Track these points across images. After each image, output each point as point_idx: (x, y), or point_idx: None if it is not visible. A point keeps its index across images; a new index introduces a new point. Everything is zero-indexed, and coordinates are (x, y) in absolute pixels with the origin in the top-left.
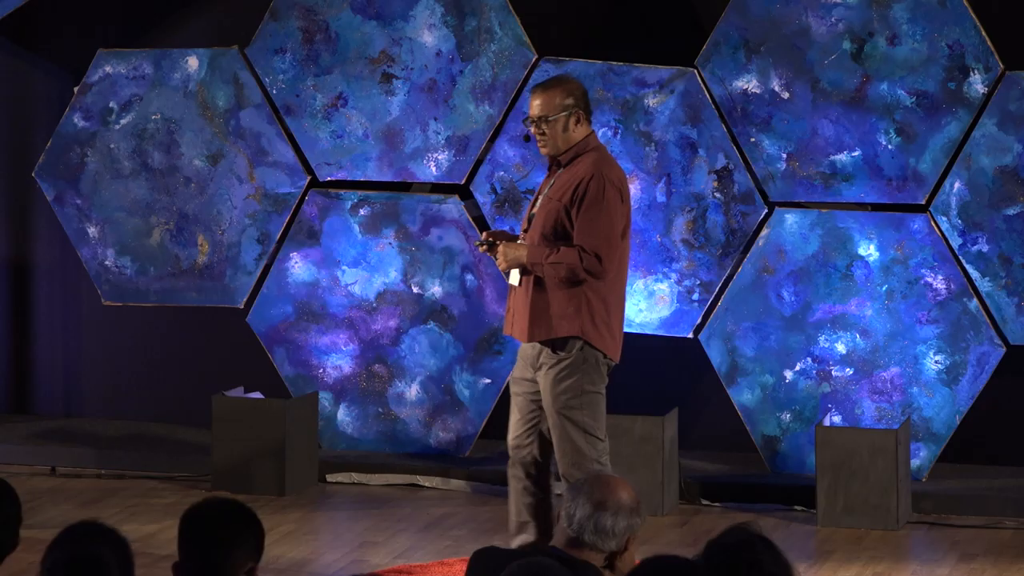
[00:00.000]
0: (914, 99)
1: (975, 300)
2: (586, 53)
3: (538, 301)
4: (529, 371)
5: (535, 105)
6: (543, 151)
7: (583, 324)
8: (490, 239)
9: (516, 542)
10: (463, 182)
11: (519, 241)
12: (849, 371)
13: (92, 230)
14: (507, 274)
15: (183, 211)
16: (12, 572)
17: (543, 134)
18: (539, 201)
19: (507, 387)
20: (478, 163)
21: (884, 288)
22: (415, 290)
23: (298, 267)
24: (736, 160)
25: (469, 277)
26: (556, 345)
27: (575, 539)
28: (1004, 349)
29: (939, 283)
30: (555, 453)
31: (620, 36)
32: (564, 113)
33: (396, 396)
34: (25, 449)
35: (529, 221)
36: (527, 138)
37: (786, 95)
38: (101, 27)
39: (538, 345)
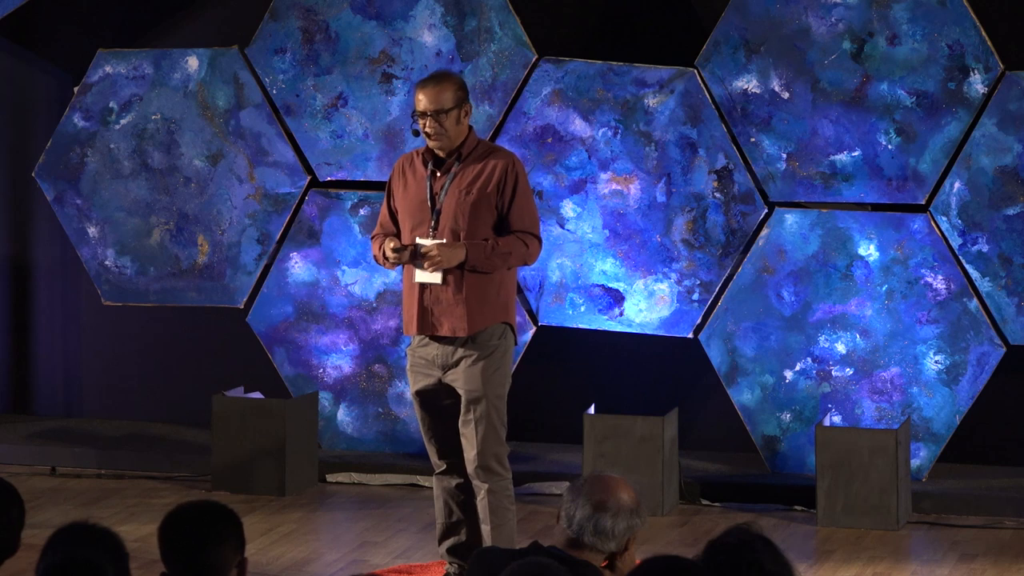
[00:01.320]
0: (914, 99)
1: (975, 300)
2: (586, 53)
3: (473, 292)
4: (434, 375)
5: (429, 99)
6: (435, 144)
7: (507, 310)
8: (408, 247)
9: (447, 545)
10: None
11: (435, 239)
12: (849, 371)
13: (92, 230)
14: (422, 273)
15: (183, 211)
16: (12, 572)
17: (439, 127)
18: (440, 196)
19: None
20: None
21: (884, 288)
22: None
23: (298, 267)
24: (736, 160)
25: None
26: (481, 333)
27: (575, 540)
28: (1004, 349)
29: (939, 283)
30: (474, 445)
31: (620, 36)
32: (456, 107)
33: (396, 396)
34: (25, 449)
35: (436, 217)
36: (416, 133)
37: (786, 95)
38: (101, 27)
39: (452, 340)
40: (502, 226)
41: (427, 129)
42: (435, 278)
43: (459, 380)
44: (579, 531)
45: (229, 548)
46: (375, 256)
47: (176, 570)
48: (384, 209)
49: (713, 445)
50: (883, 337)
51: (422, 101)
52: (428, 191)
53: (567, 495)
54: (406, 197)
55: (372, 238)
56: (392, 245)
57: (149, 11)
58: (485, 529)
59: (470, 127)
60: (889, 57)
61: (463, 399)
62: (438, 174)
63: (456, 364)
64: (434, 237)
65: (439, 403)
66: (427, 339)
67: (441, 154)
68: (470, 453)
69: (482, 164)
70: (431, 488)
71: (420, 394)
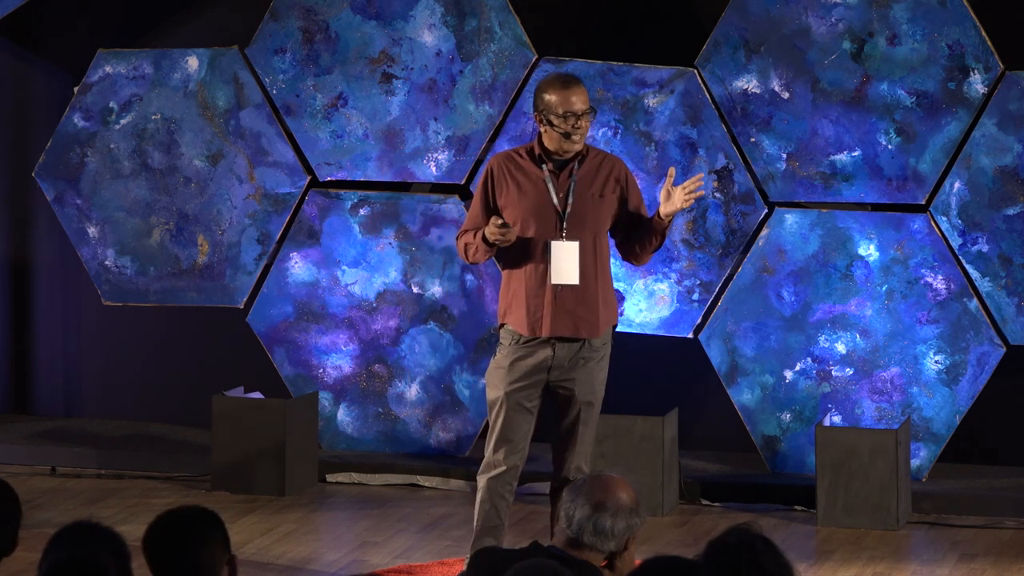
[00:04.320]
0: (914, 99)
1: (975, 300)
2: (586, 53)
3: (601, 293)
4: (538, 376)
5: (583, 99)
6: (574, 146)
7: (616, 311)
8: (511, 226)
9: (481, 545)
10: (463, 182)
11: (566, 241)
12: (849, 371)
13: (92, 230)
14: (558, 272)
15: (183, 211)
16: (12, 572)
17: (585, 128)
18: (568, 198)
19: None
20: (478, 163)
21: (884, 288)
22: (415, 290)
23: (298, 267)
24: (736, 160)
25: (469, 277)
26: (596, 337)
27: (575, 540)
28: (1004, 349)
29: (939, 283)
30: (575, 446)
31: (620, 36)
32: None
33: (396, 396)
34: (25, 449)
35: (562, 218)
36: (567, 136)
37: (786, 95)
38: (101, 27)
39: (573, 343)
40: (619, 226)
41: (572, 128)
42: (572, 279)
43: (574, 382)
44: (579, 531)
45: (216, 547)
46: (465, 248)
47: None
48: (478, 209)
49: (713, 445)
50: (883, 337)
51: (576, 102)
52: (551, 192)
53: (567, 495)
54: (522, 198)
55: (458, 237)
56: (498, 222)
57: (149, 11)
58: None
59: None
60: (889, 57)
61: (574, 400)
62: (559, 176)
63: (574, 366)
64: (564, 238)
65: (532, 404)
66: (542, 339)
67: (566, 156)
68: (568, 452)
69: (599, 167)
70: (431, 488)
71: (517, 393)
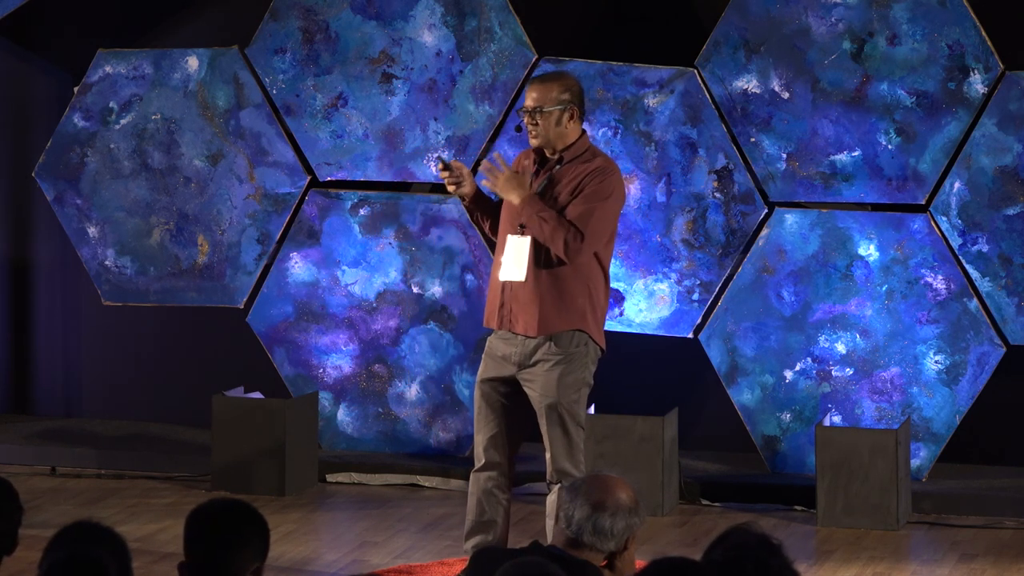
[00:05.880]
0: (914, 99)
1: (975, 300)
2: (586, 53)
3: (548, 294)
4: (507, 369)
5: (532, 96)
6: (534, 142)
7: (587, 317)
8: (446, 164)
9: (473, 542)
10: None
11: (523, 238)
12: (849, 371)
13: (92, 230)
14: (506, 265)
15: (183, 211)
16: (12, 572)
17: (536, 125)
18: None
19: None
20: (478, 163)
21: (884, 288)
22: (415, 290)
23: (298, 267)
24: (736, 160)
25: (469, 277)
26: (559, 339)
27: (574, 540)
28: (1004, 349)
29: (939, 283)
30: (548, 448)
31: (620, 36)
32: (559, 107)
33: (396, 396)
34: (25, 449)
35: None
36: (519, 128)
37: (786, 95)
38: (101, 27)
39: (531, 340)
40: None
41: (527, 125)
42: (518, 276)
43: (535, 383)
44: (578, 531)
45: (248, 552)
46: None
47: (192, 561)
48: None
49: (713, 445)
50: (883, 337)
51: (526, 96)
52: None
53: (566, 495)
54: None
55: None
56: (440, 165)
57: (149, 11)
58: (549, 524)
59: (583, 132)
60: (889, 57)
61: (536, 400)
62: (540, 174)
63: (533, 365)
64: (523, 235)
65: (502, 397)
66: (510, 334)
67: (548, 154)
68: (547, 455)
69: (578, 169)
70: (431, 488)
71: (486, 383)
